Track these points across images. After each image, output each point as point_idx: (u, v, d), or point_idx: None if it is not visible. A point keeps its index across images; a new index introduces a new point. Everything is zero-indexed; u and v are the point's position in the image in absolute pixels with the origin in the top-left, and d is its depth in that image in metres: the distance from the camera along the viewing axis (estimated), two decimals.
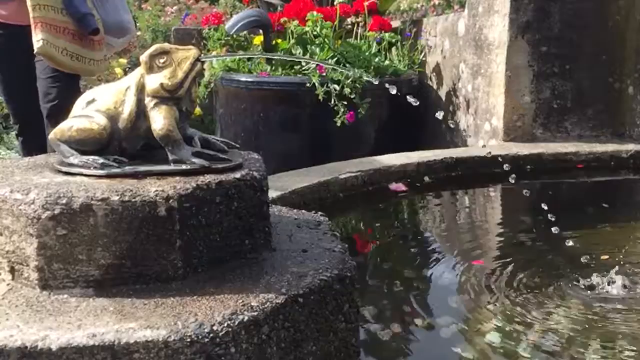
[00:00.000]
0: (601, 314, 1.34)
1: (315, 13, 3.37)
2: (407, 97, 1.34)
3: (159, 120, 1.02)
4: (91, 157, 1.02)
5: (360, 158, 2.38)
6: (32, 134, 2.55)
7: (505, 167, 1.75)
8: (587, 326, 1.29)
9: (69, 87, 2.38)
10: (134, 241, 0.92)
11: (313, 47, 3.30)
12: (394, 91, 1.28)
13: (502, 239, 1.92)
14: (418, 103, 1.33)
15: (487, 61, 2.90)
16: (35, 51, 2.19)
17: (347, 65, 3.15)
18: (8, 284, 0.95)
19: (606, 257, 1.64)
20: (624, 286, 1.46)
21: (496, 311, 1.35)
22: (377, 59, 3.33)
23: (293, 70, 3.21)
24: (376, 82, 1.33)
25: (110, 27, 2.42)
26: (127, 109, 1.04)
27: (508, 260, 1.64)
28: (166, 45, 1.06)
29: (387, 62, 3.41)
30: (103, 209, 0.91)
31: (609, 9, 2.80)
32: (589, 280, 1.49)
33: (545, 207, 1.59)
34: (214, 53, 3.55)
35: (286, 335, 0.91)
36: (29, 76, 2.44)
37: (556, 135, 2.83)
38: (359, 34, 3.59)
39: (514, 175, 1.66)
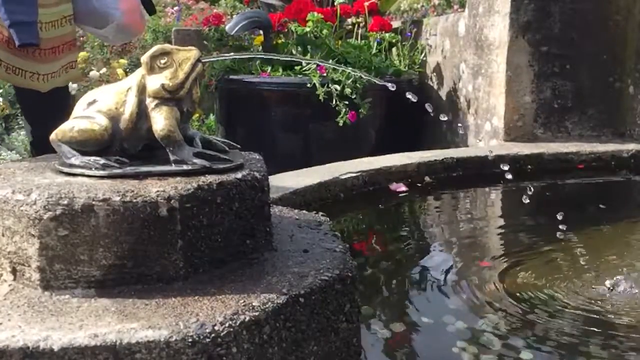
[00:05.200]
0: (604, 315, 1.34)
1: (315, 14, 3.37)
2: (406, 94, 1.35)
3: (160, 121, 1.02)
4: (92, 158, 1.02)
5: (361, 158, 2.38)
6: None
7: (505, 167, 1.76)
8: (589, 327, 1.29)
9: (41, 110, 1.93)
10: (135, 242, 0.92)
11: (313, 48, 3.30)
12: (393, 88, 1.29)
13: (503, 239, 1.92)
14: (417, 99, 1.33)
15: (487, 61, 2.90)
16: None
17: (348, 65, 3.15)
18: (10, 285, 0.95)
19: (609, 257, 1.63)
20: (627, 286, 1.46)
21: (497, 311, 1.35)
22: (377, 60, 3.34)
23: (294, 71, 3.21)
24: (393, 88, 1.32)
25: (84, 14, 1.98)
26: (128, 109, 1.04)
27: (509, 260, 1.64)
28: (167, 46, 1.06)
29: (387, 62, 3.41)
30: (104, 209, 0.91)
31: (610, 8, 2.81)
32: (591, 280, 1.49)
33: (547, 208, 1.59)
34: (214, 54, 3.56)
35: (287, 335, 0.91)
36: None
37: (557, 135, 2.83)
38: (359, 35, 3.59)
39: (507, 167, 1.66)
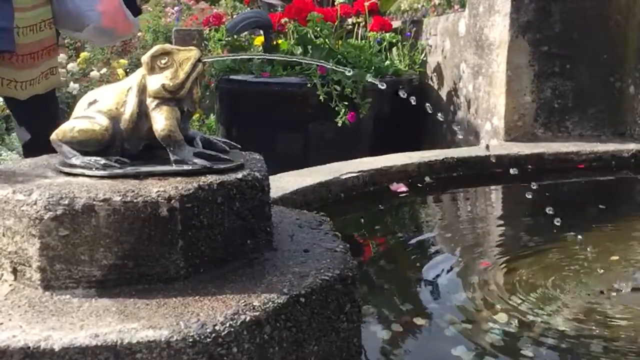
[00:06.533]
0: (604, 315, 1.34)
1: (315, 13, 3.37)
2: (406, 95, 1.35)
3: (161, 120, 1.02)
4: (93, 158, 1.03)
5: (361, 158, 2.38)
6: None
7: (512, 171, 1.77)
8: (590, 327, 1.28)
9: (27, 117, 1.92)
10: (135, 241, 0.92)
11: (313, 48, 3.30)
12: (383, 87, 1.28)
13: (503, 238, 1.92)
14: (415, 102, 1.33)
15: (487, 61, 2.90)
16: None
17: (348, 65, 3.15)
18: (10, 285, 0.96)
19: (609, 256, 1.63)
20: (628, 286, 1.46)
21: (498, 311, 1.35)
22: (377, 60, 3.34)
23: (294, 71, 3.21)
24: (382, 86, 1.32)
25: (61, 17, 1.90)
26: (129, 109, 1.04)
27: (510, 260, 1.64)
28: (167, 46, 1.06)
29: (387, 62, 3.41)
30: (105, 209, 0.91)
31: (610, 8, 2.80)
32: (591, 280, 1.49)
33: (549, 208, 1.59)
34: (214, 54, 3.56)
35: (288, 335, 0.91)
36: None
37: (557, 135, 2.83)
38: (359, 34, 3.59)
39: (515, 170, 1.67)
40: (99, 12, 1.93)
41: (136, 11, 2.08)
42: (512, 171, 1.70)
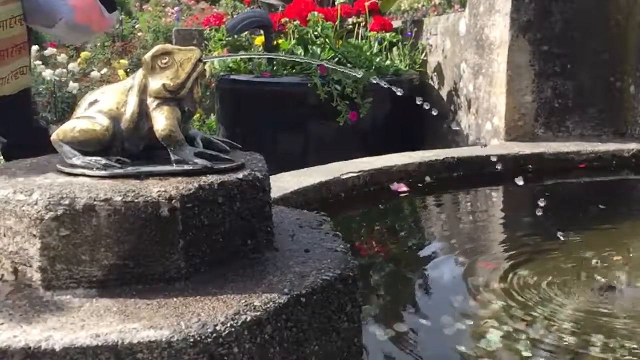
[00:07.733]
0: (605, 315, 1.34)
1: (316, 13, 3.37)
2: (419, 101, 1.35)
3: (162, 121, 1.02)
4: (94, 158, 1.02)
5: (362, 158, 2.38)
6: None
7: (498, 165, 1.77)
8: (589, 327, 1.28)
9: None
10: (137, 242, 0.92)
11: (314, 47, 3.30)
12: (399, 93, 1.27)
13: (503, 239, 1.92)
14: (422, 103, 1.33)
15: (488, 61, 2.90)
16: None
17: (349, 65, 3.15)
18: (11, 285, 0.95)
19: (610, 257, 1.63)
20: (628, 286, 1.46)
21: (499, 311, 1.35)
22: (378, 59, 3.34)
23: (294, 71, 3.21)
24: (385, 85, 1.32)
25: (31, 12, 1.81)
26: (130, 110, 1.04)
27: (510, 260, 1.64)
28: (168, 46, 1.06)
29: (388, 62, 3.41)
30: (106, 209, 0.91)
31: (610, 8, 2.80)
32: (592, 280, 1.49)
33: (548, 208, 1.60)
34: (215, 54, 3.56)
35: (289, 335, 0.91)
36: None
37: (558, 135, 2.83)
38: (360, 35, 3.59)
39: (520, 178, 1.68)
40: (71, 6, 1.84)
41: (112, 7, 2.00)
42: (519, 182, 1.71)
